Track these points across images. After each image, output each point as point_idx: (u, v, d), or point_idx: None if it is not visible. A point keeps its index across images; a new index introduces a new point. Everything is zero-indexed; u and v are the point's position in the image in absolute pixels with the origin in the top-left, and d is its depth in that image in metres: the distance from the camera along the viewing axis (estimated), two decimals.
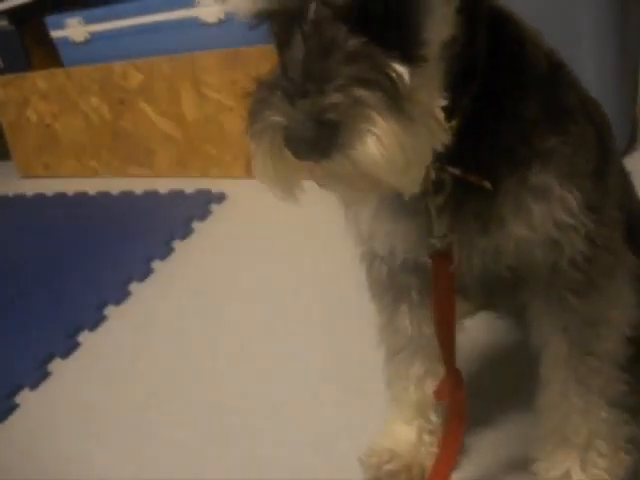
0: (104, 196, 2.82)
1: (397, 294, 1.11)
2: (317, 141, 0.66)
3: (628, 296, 1.00)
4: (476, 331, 1.42)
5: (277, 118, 0.69)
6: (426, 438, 1.18)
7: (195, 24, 2.45)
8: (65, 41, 2.87)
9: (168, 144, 2.75)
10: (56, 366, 1.75)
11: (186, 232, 2.31)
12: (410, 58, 0.71)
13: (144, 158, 2.86)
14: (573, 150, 0.89)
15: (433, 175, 0.86)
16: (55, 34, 2.90)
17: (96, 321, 1.91)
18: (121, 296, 2.01)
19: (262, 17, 0.74)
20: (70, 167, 3.12)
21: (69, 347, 1.80)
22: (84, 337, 1.86)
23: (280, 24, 0.74)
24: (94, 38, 2.79)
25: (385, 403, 1.23)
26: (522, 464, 1.08)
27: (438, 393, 1.11)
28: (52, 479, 1.37)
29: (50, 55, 3.07)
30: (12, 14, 3.12)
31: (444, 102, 0.75)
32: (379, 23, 0.70)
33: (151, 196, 2.69)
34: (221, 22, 2.42)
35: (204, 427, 1.40)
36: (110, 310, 1.97)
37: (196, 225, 2.35)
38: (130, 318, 1.91)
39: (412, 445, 1.18)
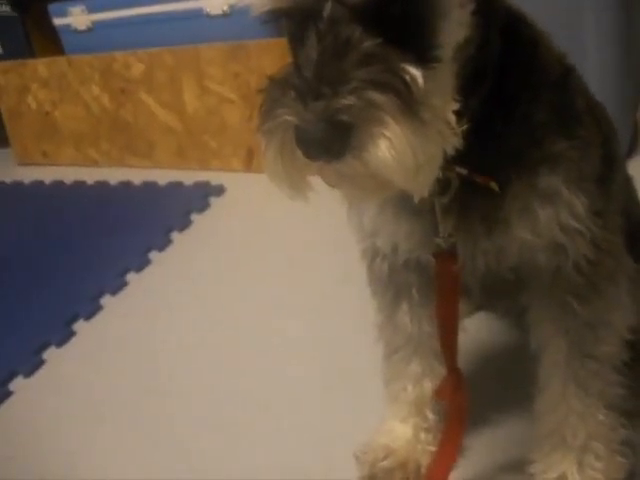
0: (102, 186, 2.81)
1: (398, 292, 1.11)
2: (329, 142, 0.66)
3: (628, 300, 1.01)
4: (475, 331, 1.41)
5: (289, 117, 0.68)
6: (422, 436, 1.18)
7: (199, 15, 2.45)
8: (67, 29, 2.86)
9: (168, 135, 2.75)
10: (51, 354, 1.74)
11: (184, 224, 2.30)
12: (424, 60, 0.71)
13: (144, 149, 2.85)
14: (581, 155, 0.89)
15: (440, 174, 0.86)
16: (57, 21, 2.89)
17: (92, 311, 1.90)
18: (118, 286, 2.00)
19: (277, 14, 0.74)
20: (69, 156, 3.11)
21: (64, 336, 1.80)
22: (80, 326, 1.85)
23: (295, 22, 0.74)
24: (97, 27, 2.78)
25: (382, 402, 1.23)
26: (519, 465, 1.08)
27: (439, 393, 1.11)
28: (45, 466, 1.36)
29: (52, 42, 3.07)
30: (14, 0, 3.12)
31: (456, 105, 0.74)
32: (395, 24, 0.70)
33: (150, 187, 2.68)
34: (225, 14, 2.41)
35: (200, 423, 1.39)
36: (106, 300, 1.96)
37: (194, 217, 2.35)
38: (126, 308, 1.91)
39: (408, 442, 1.17)
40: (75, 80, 2.88)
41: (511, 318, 1.43)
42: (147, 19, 2.61)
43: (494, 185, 0.86)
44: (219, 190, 2.50)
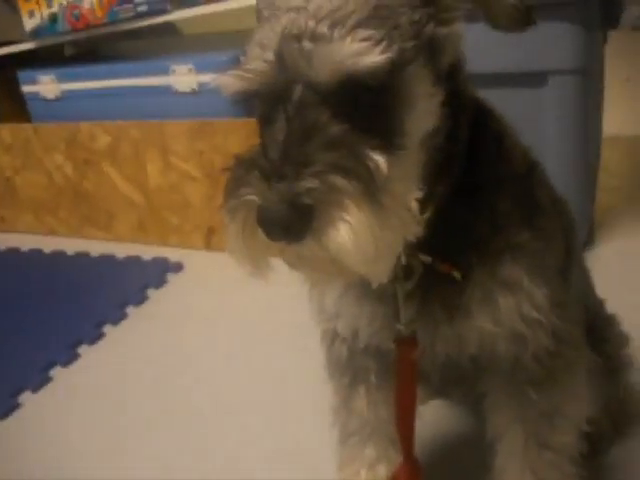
0: (59, 255, 2.77)
1: (355, 376, 1.11)
2: (290, 224, 0.67)
3: (585, 391, 1.01)
4: (431, 418, 1.40)
5: (252, 197, 0.69)
6: None
7: (168, 92, 2.46)
8: (36, 96, 2.86)
9: (129, 209, 2.73)
10: None
11: (140, 299, 2.28)
12: (390, 147, 0.72)
13: (103, 221, 2.83)
14: (543, 246, 0.91)
15: (403, 260, 0.86)
16: (26, 89, 2.89)
17: (40, 382, 1.86)
18: (69, 358, 1.97)
19: (248, 95, 0.75)
20: (27, 223, 3.08)
21: (8, 409, 1.75)
22: (25, 398, 1.81)
23: (264, 103, 0.75)
24: (65, 96, 2.78)
25: None
26: None
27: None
28: None
29: (19, 109, 3.06)
30: None
31: (419, 193, 0.75)
32: (363, 111, 0.71)
33: (107, 259, 2.65)
34: (194, 92, 2.43)
35: None
36: (56, 372, 1.92)
37: (151, 292, 2.32)
38: (76, 381, 1.87)
39: None
40: (39, 148, 2.87)
41: (467, 405, 1.42)
42: (116, 92, 2.62)
43: (457, 274, 0.87)
44: (177, 267, 2.48)
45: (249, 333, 1.97)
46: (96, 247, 2.76)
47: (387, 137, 0.72)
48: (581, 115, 1.86)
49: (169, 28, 3.03)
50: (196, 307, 2.21)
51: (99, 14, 2.56)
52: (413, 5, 0.74)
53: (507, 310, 0.89)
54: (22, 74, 2.90)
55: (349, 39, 0.69)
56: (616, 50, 3.04)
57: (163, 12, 2.46)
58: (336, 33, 0.69)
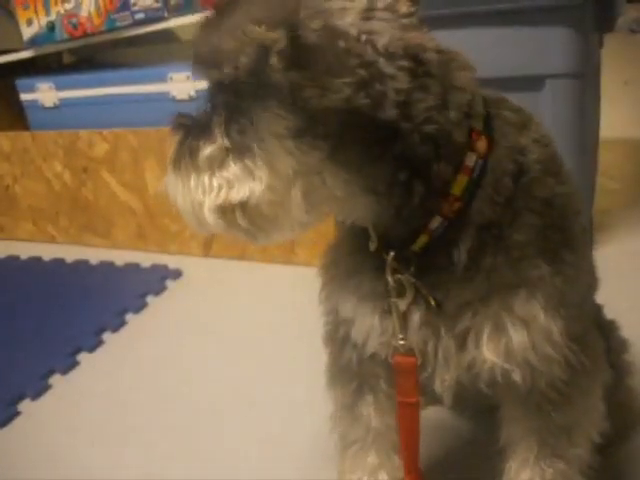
0: (58, 263, 2.77)
1: (363, 382, 1.10)
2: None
3: (602, 406, 1.00)
4: (433, 422, 1.40)
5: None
6: None
7: (165, 99, 2.46)
8: (34, 104, 2.86)
9: (128, 216, 2.73)
10: None
11: (140, 306, 2.27)
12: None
13: (103, 228, 2.83)
14: (565, 281, 0.88)
15: (390, 280, 0.88)
16: (25, 97, 2.89)
17: (40, 390, 1.85)
18: (69, 366, 1.96)
19: None
20: (26, 231, 3.07)
21: (7, 417, 1.75)
22: (24, 405, 1.80)
23: None
24: (63, 104, 2.78)
25: None
26: None
27: None
28: None
29: (17, 117, 3.06)
30: None
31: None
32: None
33: (106, 267, 2.65)
34: (192, 99, 2.43)
35: None
36: (56, 379, 1.91)
37: (150, 300, 2.31)
38: (75, 389, 1.86)
39: None
40: (38, 156, 2.87)
41: (476, 413, 1.42)
42: (114, 99, 2.62)
43: (432, 300, 0.88)
44: (176, 273, 2.47)
45: (249, 339, 1.97)
46: (95, 254, 2.75)
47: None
48: (578, 118, 1.87)
49: (167, 35, 3.04)
50: (195, 313, 2.20)
51: (97, 22, 2.56)
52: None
53: (520, 345, 0.87)
54: (20, 82, 2.89)
55: None
56: (614, 53, 3.05)
57: (160, 19, 2.46)
58: None
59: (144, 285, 2.41)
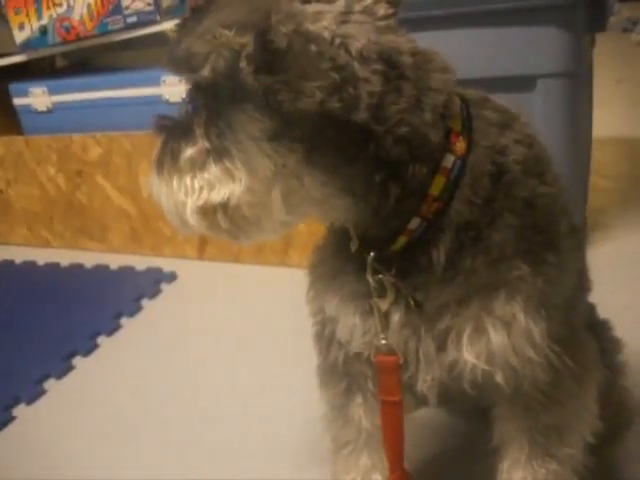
0: (53, 267, 2.77)
1: (351, 383, 1.10)
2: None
3: (594, 405, 1.00)
4: (425, 422, 1.40)
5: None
6: None
7: (158, 102, 2.46)
8: (27, 109, 2.85)
9: (122, 220, 2.73)
10: None
11: (135, 309, 2.27)
12: None
13: (97, 232, 2.83)
14: (547, 281, 0.87)
15: (371, 281, 0.89)
16: (18, 101, 2.88)
17: (35, 395, 1.85)
18: (64, 370, 1.96)
19: None
20: (21, 235, 3.07)
21: (2, 422, 1.74)
22: (19, 410, 1.80)
23: None
24: (57, 108, 2.78)
25: None
26: None
27: None
28: None
29: (11, 122, 3.05)
30: None
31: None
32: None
33: (101, 271, 2.65)
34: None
35: None
36: (50, 384, 1.91)
37: (145, 303, 2.32)
38: (71, 393, 1.86)
39: None
40: (32, 160, 2.87)
41: (469, 413, 1.42)
42: (107, 103, 2.62)
43: (411, 301, 0.89)
44: (171, 276, 2.48)
45: (244, 341, 1.97)
46: (90, 258, 2.75)
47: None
48: (570, 118, 1.87)
49: (160, 38, 3.03)
50: (190, 316, 2.21)
51: (89, 26, 2.56)
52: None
53: (500, 347, 0.86)
54: (13, 86, 2.89)
55: None
56: (608, 52, 3.06)
57: (153, 23, 2.45)
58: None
59: (139, 288, 2.41)
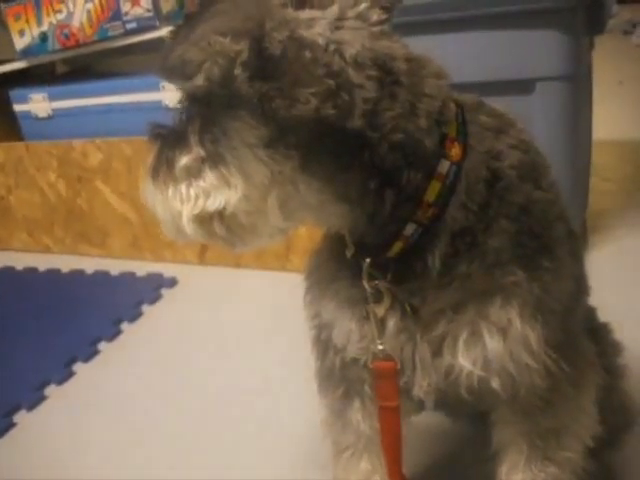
0: (54, 273, 2.76)
1: (349, 387, 1.09)
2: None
3: (593, 408, 1.00)
4: (423, 426, 1.39)
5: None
6: None
7: (158, 107, 2.46)
8: (27, 115, 2.86)
9: (123, 225, 2.73)
10: None
11: (135, 315, 2.27)
12: None
13: (98, 238, 2.83)
14: (542, 288, 0.87)
15: (367, 287, 0.89)
16: (18, 107, 2.89)
17: (35, 401, 1.85)
18: (64, 376, 1.96)
19: None
20: (22, 241, 3.07)
21: (3, 428, 1.74)
22: (20, 417, 1.80)
23: None
24: (57, 114, 2.78)
25: None
26: None
27: None
28: None
29: (11, 128, 3.05)
30: None
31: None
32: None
33: (102, 276, 2.65)
34: None
35: None
36: (51, 390, 1.91)
37: (146, 308, 2.32)
38: (71, 399, 1.86)
39: None
40: (32, 166, 2.87)
41: (468, 417, 1.41)
42: (107, 109, 2.62)
43: (407, 307, 0.88)
44: (171, 282, 2.48)
45: (245, 345, 1.97)
46: (91, 264, 2.75)
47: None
48: (570, 120, 1.87)
49: (160, 44, 3.03)
50: (191, 321, 2.20)
51: (89, 32, 2.56)
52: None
53: (496, 353, 0.86)
54: (13, 93, 2.89)
55: None
56: (609, 54, 3.05)
57: (152, 28, 2.45)
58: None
59: (139, 294, 2.41)
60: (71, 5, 2.56)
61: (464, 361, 0.87)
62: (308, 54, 0.73)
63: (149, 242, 2.69)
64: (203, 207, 0.83)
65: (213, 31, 0.74)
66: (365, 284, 0.90)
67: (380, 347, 0.92)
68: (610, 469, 1.27)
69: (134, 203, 2.65)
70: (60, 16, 2.61)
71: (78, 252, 2.91)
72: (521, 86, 1.80)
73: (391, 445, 1.03)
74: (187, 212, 0.84)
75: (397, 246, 0.86)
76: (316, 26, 0.76)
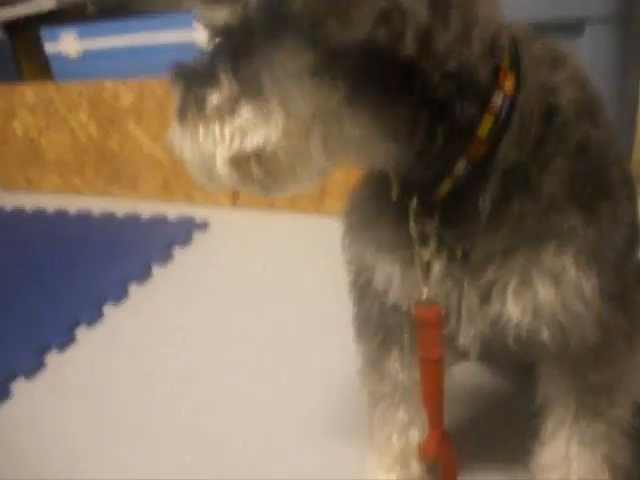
0: (84, 216, 2.75)
1: (387, 335, 1.06)
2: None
3: None
4: (465, 378, 1.36)
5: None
6: None
7: (191, 47, 2.41)
8: (58, 55, 2.82)
9: (154, 167, 2.70)
10: (19, 386, 1.69)
11: (166, 258, 2.25)
12: None
13: (129, 180, 2.81)
14: (599, 234, 0.82)
15: (414, 227, 0.84)
16: (49, 48, 2.85)
17: (65, 342, 1.84)
18: (93, 318, 1.95)
19: None
20: (53, 183, 3.06)
21: (34, 368, 1.74)
22: (51, 357, 1.79)
23: None
24: (87, 54, 2.74)
25: (366, 450, 1.18)
26: None
27: (423, 452, 1.06)
28: None
29: (42, 68, 3.03)
30: (7, 24, 3.09)
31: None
32: None
33: (133, 219, 2.63)
34: None
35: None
36: (81, 331, 1.90)
37: (176, 252, 2.29)
38: (101, 341, 1.85)
39: None
40: (63, 107, 2.84)
41: (512, 370, 1.38)
42: (139, 49, 2.59)
43: (458, 252, 0.85)
44: (203, 225, 2.45)
45: (277, 291, 1.94)
46: (122, 206, 2.73)
47: None
48: (619, 66, 1.80)
49: None
50: (222, 265, 2.18)
51: None
52: None
53: (547, 302, 0.82)
54: (45, 32, 2.85)
55: None
56: None
57: None
58: None
59: (171, 237, 2.38)
60: None
61: (513, 309, 0.83)
62: None
63: (181, 184, 2.66)
64: (240, 147, 0.77)
65: None
66: (412, 225, 0.85)
67: (425, 293, 0.88)
68: None
69: (165, 145, 2.61)
70: None
71: (109, 194, 2.89)
72: (569, 27, 1.73)
73: (433, 398, 0.99)
74: (221, 154, 0.78)
75: (446, 185, 0.81)
76: None
